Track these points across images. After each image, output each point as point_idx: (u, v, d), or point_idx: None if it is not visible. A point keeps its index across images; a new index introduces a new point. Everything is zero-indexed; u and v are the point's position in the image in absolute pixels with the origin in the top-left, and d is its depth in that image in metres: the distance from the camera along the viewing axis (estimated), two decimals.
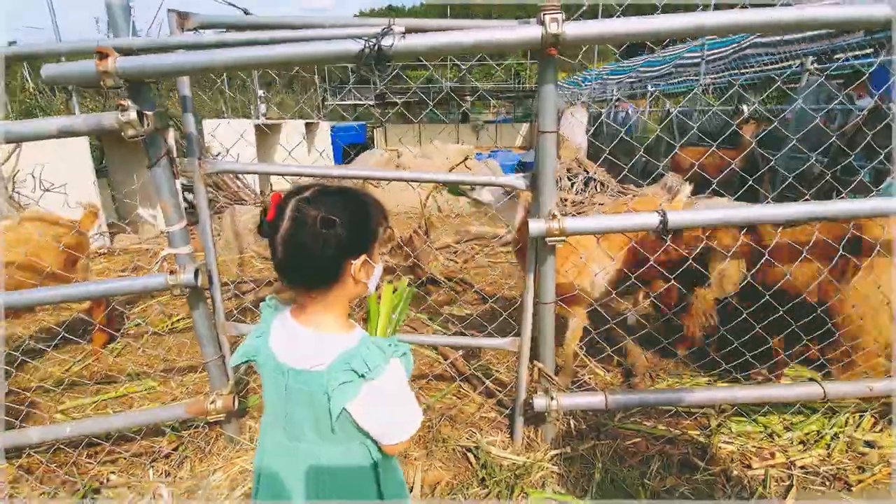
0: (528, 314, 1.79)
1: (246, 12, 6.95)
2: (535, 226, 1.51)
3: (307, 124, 11.54)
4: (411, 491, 1.82)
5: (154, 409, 2.07)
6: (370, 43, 1.33)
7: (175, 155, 1.70)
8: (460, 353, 2.53)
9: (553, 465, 1.90)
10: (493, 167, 7.93)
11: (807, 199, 1.65)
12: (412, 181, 1.77)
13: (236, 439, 2.05)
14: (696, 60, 8.81)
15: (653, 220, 1.52)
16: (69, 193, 5.14)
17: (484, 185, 1.65)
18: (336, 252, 0.90)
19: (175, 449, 2.04)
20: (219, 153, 7.34)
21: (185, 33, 1.57)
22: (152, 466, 1.98)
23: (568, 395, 1.83)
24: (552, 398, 1.80)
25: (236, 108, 12.83)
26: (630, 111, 11.39)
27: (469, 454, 1.94)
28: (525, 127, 20.42)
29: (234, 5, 8.29)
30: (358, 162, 7.56)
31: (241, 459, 1.99)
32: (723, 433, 2.08)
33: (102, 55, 1.36)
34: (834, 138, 4.59)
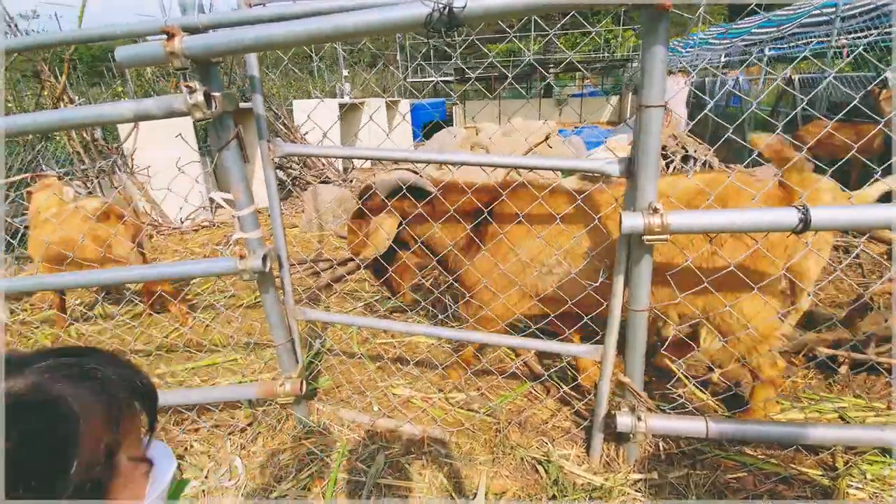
0: (615, 321, 1.54)
1: None
2: (631, 221, 1.26)
3: (388, 102, 11.66)
4: (475, 497, 1.70)
5: (229, 387, 2.15)
6: (440, 5, 1.14)
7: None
8: (534, 351, 2.34)
9: (636, 490, 1.67)
10: (577, 145, 7.39)
11: None
12: (485, 165, 1.58)
13: (305, 421, 2.06)
14: (826, 18, 7.41)
15: (789, 217, 1.19)
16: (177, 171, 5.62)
17: (570, 170, 1.41)
18: None
19: (250, 424, 2.11)
20: (306, 132, 7.66)
21: (251, 8, 1.50)
22: (229, 439, 2.06)
23: (659, 418, 1.58)
24: (639, 418, 1.56)
25: (325, 89, 13.31)
26: (741, 80, 10.00)
27: (539, 466, 1.77)
28: (614, 100, 18.96)
29: None
30: (434, 141, 7.44)
31: (308, 441, 2.01)
32: (852, 476, 1.69)
33: (169, 35, 1.33)
34: None
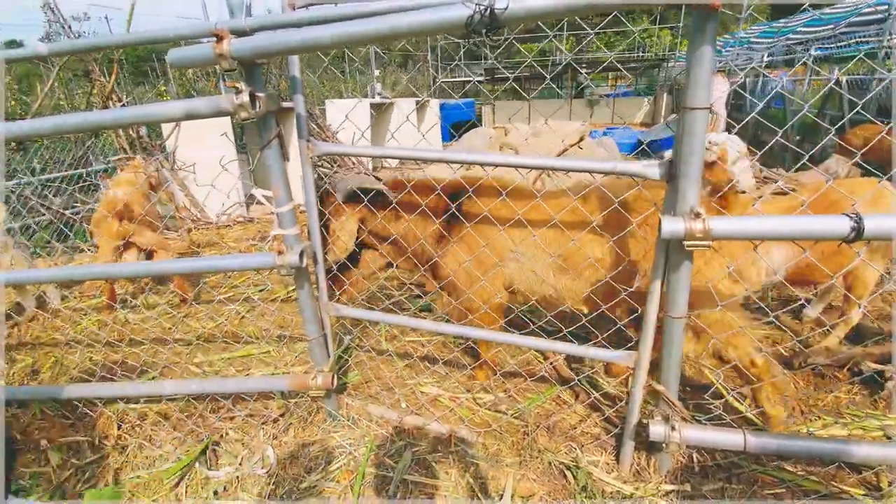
0: (650, 327, 1.52)
1: None
2: (671, 226, 1.23)
3: (418, 103, 11.73)
4: (501, 499, 1.70)
5: (263, 378, 2.22)
6: (481, 7, 1.15)
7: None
8: (562, 355, 2.32)
9: (667, 501, 1.63)
10: (609, 146, 7.25)
11: None
12: (519, 167, 1.57)
13: (334, 414, 2.11)
14: (879, 16, 7.00)
15: (840, 225, 1.14)
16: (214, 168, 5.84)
17: (607, 173, 1.39)
18: None
19: (282, 415, 2.17)
20: (337, 131, 7.80)
21: (295, 11, 1.54)
22: (262, 428, 2.12)
23: (694, 428, 1.54)
24: (673, 428, 1.52)
25: (356, 89, 13.52)
26: (784, 80, 9.60)
27: (567, 472, 1.76)
28: (648, 101, 18.53)
29: None
30: (463, 141, 7.44)
31: (337, 434, 2.05)
32: None
33: (218, 38, 1.38)
34: None
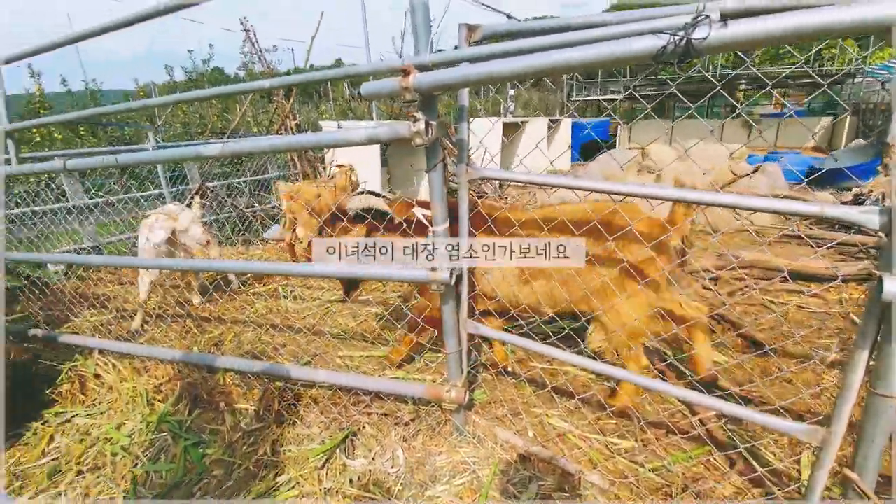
0: (848, 403, 1.26)
1: (509, 16, 7.38)
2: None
3: (551, 121, 11.64)
4: None
5: (399, 382, 2.36)
6: (676, 38, 1.09)
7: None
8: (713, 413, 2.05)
9: None
10: (775, 174, 6.33)
11: None
12: (695, 203, 1.45)
13: (461, 429, 2.15)
14: None
15: None
16: (365, 176, 6.54)
17: (811, 216, 1.21)
18: None
19: (412, 420, 2.29)
20: (472, 149, 8.12)
21: (471, 46, 1.64)
22: (394, 429, 2.26)
23: None
24: None
25: (489, 108, 13.94)
26: None
27: None
28: (823, 122, 15.82)
29: (494, 9, 9.01)
30: (598, 163, 7.15)
31: (463, 450, 2.08)
32: None
33: (405, 72, 1.53)
34: None
